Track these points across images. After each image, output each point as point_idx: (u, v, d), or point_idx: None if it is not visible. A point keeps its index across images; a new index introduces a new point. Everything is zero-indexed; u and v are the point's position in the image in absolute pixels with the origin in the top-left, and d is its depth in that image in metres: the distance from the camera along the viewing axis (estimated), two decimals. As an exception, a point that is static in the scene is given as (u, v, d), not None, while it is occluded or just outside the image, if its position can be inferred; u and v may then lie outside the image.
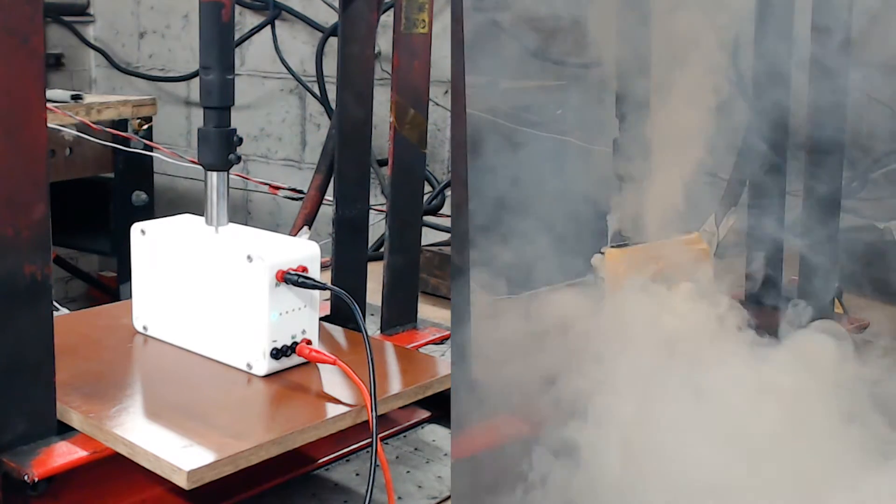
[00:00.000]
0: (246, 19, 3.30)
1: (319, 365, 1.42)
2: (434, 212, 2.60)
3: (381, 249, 1.75)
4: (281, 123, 3.31)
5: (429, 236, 2.27)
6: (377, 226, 2.02)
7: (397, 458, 1.49)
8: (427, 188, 2.05)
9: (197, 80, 1.55)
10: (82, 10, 3.77)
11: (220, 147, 1.43)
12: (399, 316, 1.71)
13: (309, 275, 1.38)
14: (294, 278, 1.37)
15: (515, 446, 1.29)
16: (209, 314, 1.43)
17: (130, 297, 1.55)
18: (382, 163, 2.48)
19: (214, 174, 1.45)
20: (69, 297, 3.57)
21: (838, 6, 1.45)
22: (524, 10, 1.73)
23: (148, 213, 2.74)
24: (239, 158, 1.45)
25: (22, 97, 1.17)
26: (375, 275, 1.72)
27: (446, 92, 2.76)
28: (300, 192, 2.76)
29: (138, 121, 2.75)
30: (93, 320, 1.64)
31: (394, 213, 1.70)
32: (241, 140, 1.45)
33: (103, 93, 3.65)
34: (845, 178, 1.60)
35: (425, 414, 1.61)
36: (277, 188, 2.81)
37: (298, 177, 3.19)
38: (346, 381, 1.35)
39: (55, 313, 1.31)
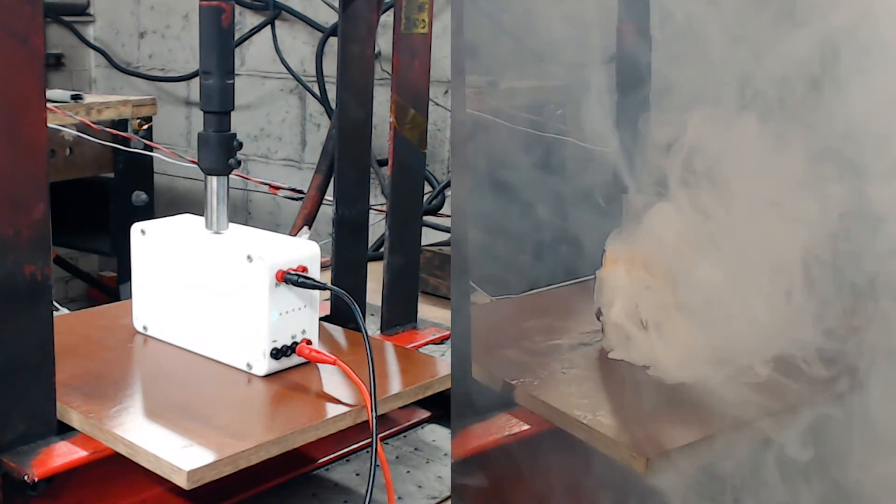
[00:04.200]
0: (246, 19, 3.30)
1: (319, 365, 1.42)
2: (434, 212, 2.60)
3: (381, 249, 1.75)
4: (281, 123, 3.31)
5: (429, 236, 2.27)
6: (377, 226, 2.02)
7: (397, 458, 1.49)
8: (427, 188, 2.05)
9: (197, 79, 1.56)
10: (82, 10, 3.77)
11: (220, 152, 1.43)
12: (399, 316, 1.71)
13: (309, 275, 1.39)
14: (294, 278, 1.37)
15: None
16: (209, 314, 1.43)
17: (130, 297, 1.55)
18: (382, 163, 2.48)
19: (214, 179, 1.45)
20: (69, 297, 3.57)
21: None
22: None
23: (148, 213, 2.74)
24: (239, 163, 1.45)
25: (22, 97, 1.17)
26: (375, 275, 1.72)
27: (446, 92, 2.76)
28: (300, 192, 2.76)
29: (138, 121, 2.75)
30: (93, 320, 1.64)
31: (394, 213, 1.70)
32: (241, 144, 1.45)
33: (103, 93, 3.65)
34: None
35: (425, 414, 1.61)
36: (277, 188, 2.81)
37: (298, 177, 3.20)
38: (346, 381, 1.35)
39: (55, 313, 1.31)
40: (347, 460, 1.48)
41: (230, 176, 1.47)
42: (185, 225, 1.52)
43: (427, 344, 1.68)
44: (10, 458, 1.20)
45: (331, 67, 2.79)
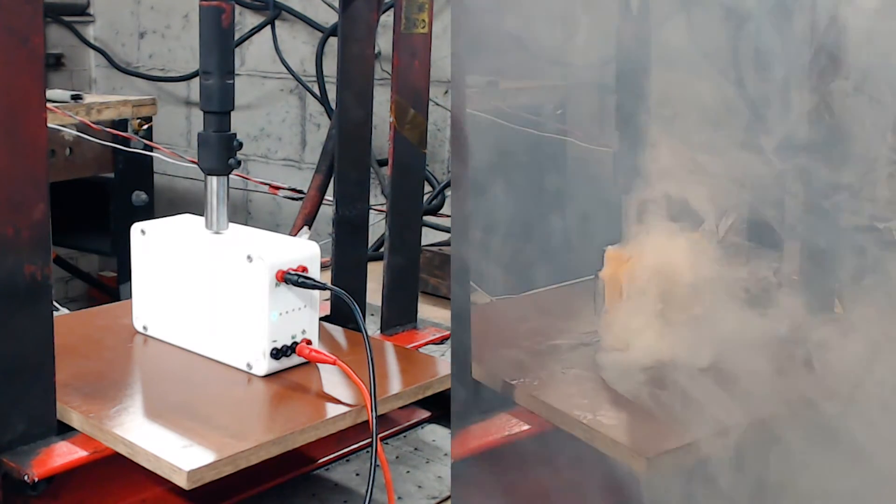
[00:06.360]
0: (246, 19, 3.30)
1: (319, 365, 1.42)
2: (434, 212, 2.60)
3: (381, 249, 1.75)
4: (281, 123, 3.31)
5: (429, 236, 2.27)
6: (377, 226, 2.02)
7: (397, 458, 1.49)
8: (427, 188, 2.05)
9: (197, 79, 1.56)
10: (82, 10, 3.77)
11: (221, 152, 1.43)
12: (399, 316, 1.71)
13: (309, 275, 1.39)
14: (294, 278, 1.37)
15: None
16: (209, 314, 1.43)
17: (130, 297, 1.56)
18: (382, 163, 2.48)
19: (214, 179, 1.45)
20: (69, 297, 3.57)
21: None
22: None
23: (148, 213, 2.74)
24: (239, 163, 1.46)
25: (22, 97, 1.18)
26: (375, 275, 1.72)
27: (446, 92, 2.76)
28: (300, 192, 2.76)
29: (138, 121, 2.75)
30: (93, 320, 1.64)
31: (394, 213, 1.70)
32: (241, 144, 1.45)
33: (103, 93, 3.65)
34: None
35: (425, 414, 1.61)
36: (277, 188, 2.81)
37: (298, 177, 3.20)
38: (346, 381, 1.35)
39: (55, 313, 1.31)
40: (347, 460, 1.48)
41: (230, 176, 1.47)
42: (185, 225, 1.52)
43: (427, 344, 1.68)
44: (10, 458, 1.20)
45: (331, 67, 2.79)
